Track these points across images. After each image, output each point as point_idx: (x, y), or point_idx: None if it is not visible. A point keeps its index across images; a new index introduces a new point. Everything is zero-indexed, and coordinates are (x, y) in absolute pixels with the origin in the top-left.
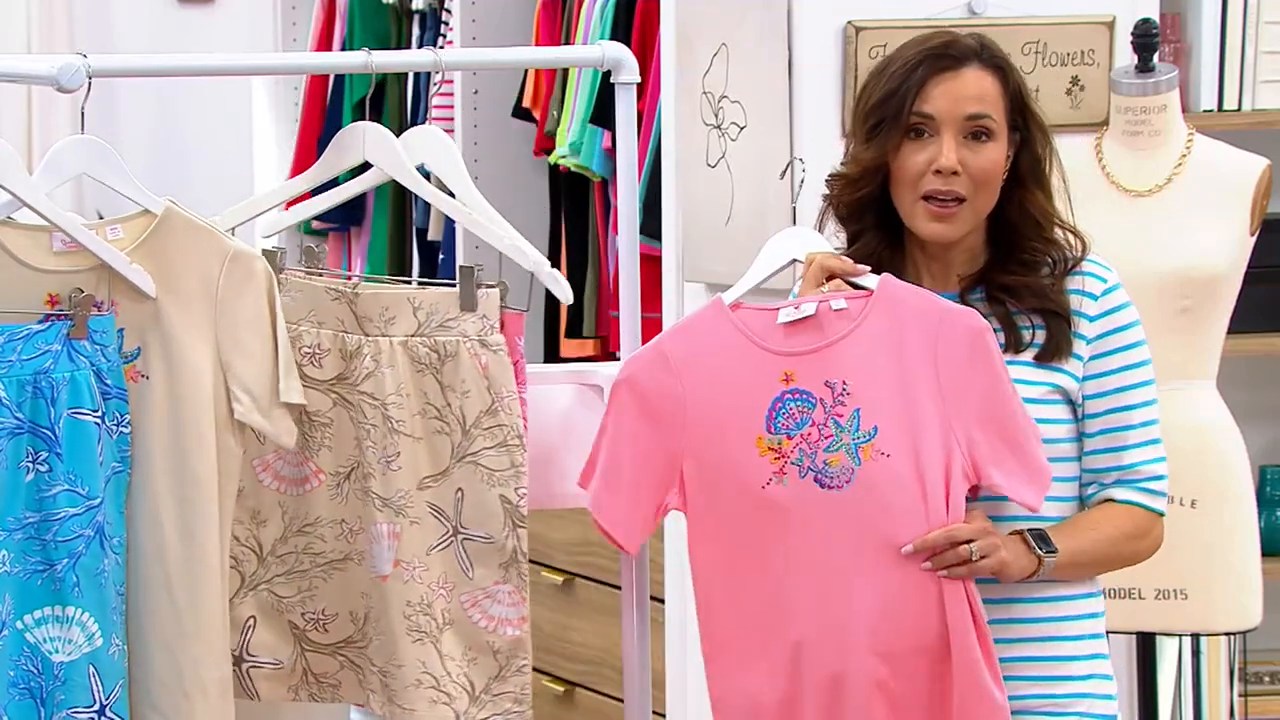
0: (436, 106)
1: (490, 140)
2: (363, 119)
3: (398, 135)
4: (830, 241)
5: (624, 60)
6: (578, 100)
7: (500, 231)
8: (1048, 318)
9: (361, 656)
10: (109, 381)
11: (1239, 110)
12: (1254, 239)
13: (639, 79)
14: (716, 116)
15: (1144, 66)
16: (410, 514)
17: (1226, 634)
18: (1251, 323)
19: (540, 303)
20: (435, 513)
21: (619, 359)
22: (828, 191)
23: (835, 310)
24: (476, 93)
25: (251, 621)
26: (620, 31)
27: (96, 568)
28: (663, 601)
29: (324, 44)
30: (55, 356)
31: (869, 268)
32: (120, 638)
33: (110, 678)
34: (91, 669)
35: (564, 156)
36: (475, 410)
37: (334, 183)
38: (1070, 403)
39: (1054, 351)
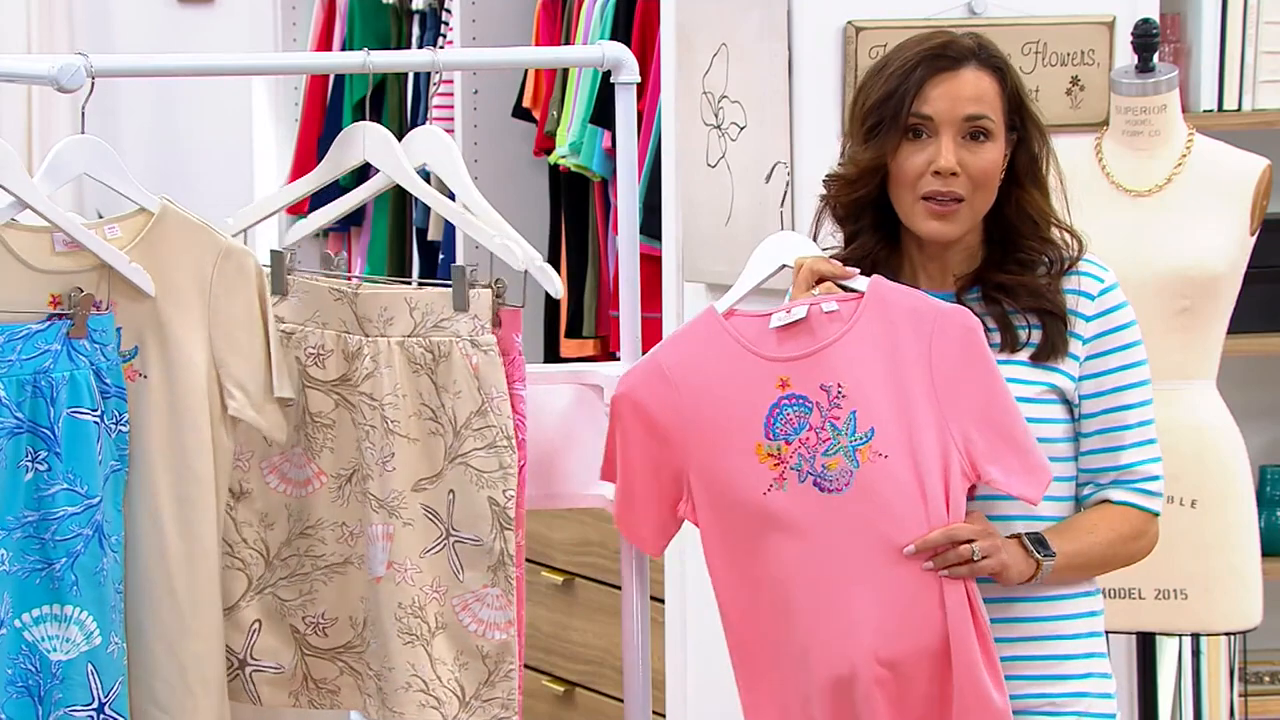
0: (437, 106)
1: (490, 140)
2: (363, 119)
3: (398, 135)
4: (825, 243)
5: (624, 60)
6: (578, 100)
7: (492, 230)
8: (1044, 317)
9: (360, 661)
10: (108, 380)
11: (1239, 110)
12: (1254, 239)
13: (639, 79)
14: (716, 116)
15: (1144, 66)
16: (404, 515)
17: (1226, 634)
18: (1251, 323)
19: (540, 303)
20: (429, 514)
21: (619, 359)
22: (824, 192)
23: (827, 313)
24: (476, 93)
25: (257, 625)
26: (620, 31)
27: (95, 566)
28: (663, 601)
29: (324, 44)
30: (55, 356)
31: (858, 270)
32: (119, 636)
33: (109, 676)
34: (90, 667)
35: (564, 156)
36: (466, 411)
37: (337, 183)
38: (1066, 403)
39: (1050, 351)
